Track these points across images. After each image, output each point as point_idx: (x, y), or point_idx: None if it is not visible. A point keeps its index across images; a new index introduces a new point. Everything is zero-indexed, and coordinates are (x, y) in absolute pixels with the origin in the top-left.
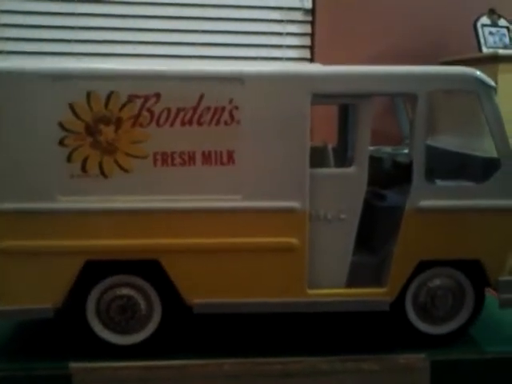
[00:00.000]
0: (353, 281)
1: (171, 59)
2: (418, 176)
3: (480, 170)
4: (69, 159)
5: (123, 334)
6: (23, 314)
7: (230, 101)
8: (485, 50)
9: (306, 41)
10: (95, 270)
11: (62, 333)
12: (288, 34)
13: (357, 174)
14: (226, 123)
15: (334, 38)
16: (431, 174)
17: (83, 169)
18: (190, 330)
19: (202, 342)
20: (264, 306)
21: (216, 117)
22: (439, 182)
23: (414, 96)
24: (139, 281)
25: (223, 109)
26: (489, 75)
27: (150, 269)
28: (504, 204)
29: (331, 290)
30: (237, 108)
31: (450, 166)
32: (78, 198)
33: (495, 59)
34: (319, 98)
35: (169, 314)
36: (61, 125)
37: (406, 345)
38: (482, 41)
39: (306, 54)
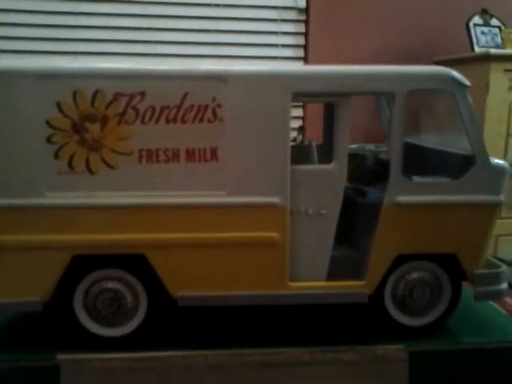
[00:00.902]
0: (333, 274)
1: (166, 58)
2: (396, 172)
3: (456, 166)
4: (56, 156)
5: (110, 326)
6: (12, 307)
7: (213, 99)
8: (477, 49)
9: (301, 40)
10: (82, 264)
11: (50, 325)
12: (282, 33)
13: (337, 171)
14: (209, 121)
15: (328, 37)
16: (410, 170)
17: (70, 165)
18: (175, 323)
19: (186, 334)
20: (247, 299)
21: (199, 115)
22: (416, 178)
23: (392, 95)
24: (125, 275)
25: (206, 107)
26: (481, 74)
27: (136, 263)
28: (478, 199)
29: (312, 282)
30: (220, 106)
31: (429, 163)
32: (65, 194)
33: (487, 58)
34: (299, 97)
35: (154, 306)
36: (48, 123)
37: (385, 336)
38: (474, 40)
39: (301, 53)
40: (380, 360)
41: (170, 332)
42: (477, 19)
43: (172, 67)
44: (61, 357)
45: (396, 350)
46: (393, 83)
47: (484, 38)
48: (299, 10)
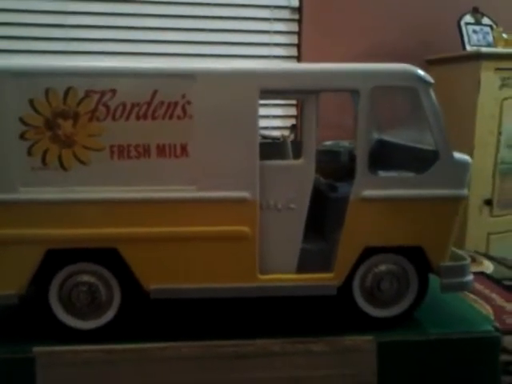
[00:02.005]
0: (303, 267)
1: (157, 57)
2: (361, 167)
3: (421, 161)
4: (29, 152)
5: (85, 319)
6: None
7: (183, 96)
8: (468, 48)
9: (294, 39)
10: (56, 258)
11: (26, 318)
12: (275, 32)
13: (305, 166)
14: (178, 117)
15: (321, 36)
16: (377, 165)
17: (43, 161)
18: (149, 316)
19: (160, 326)
20: (217, 292)
21: (169, 111)
22: (381, 173)
23: (357, 92)
24: (99, 268)
25: (176, 104)
26: (472, 73)
27: (108, 256)
28: (442, 193)
29: (281, 275)
30: (189, 103)
31: (396, 158)
32: (39, 190)
33: (478, 57)
34: (267, 94)
35: (128, 299)
36: (21, 120)
37: (353, 327)
38: (465, 39)
39: (294, 52)
40: (349, 351)
41: (145, 324)
42: (468, 18)
43: (142, 65)
44: (36, 349)
45: (365, 341)
46: (357, 80)
47: (475, 36)
48: (292, 9)
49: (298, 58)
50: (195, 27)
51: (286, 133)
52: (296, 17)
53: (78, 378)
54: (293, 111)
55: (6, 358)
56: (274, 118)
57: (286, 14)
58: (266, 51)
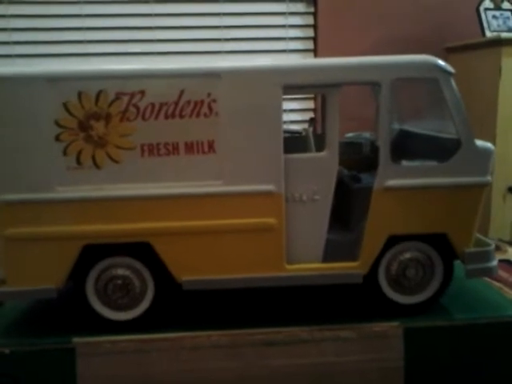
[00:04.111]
0: (329, 256)
1: (175, 56)
2: (384, 158)
3: (443, 150)
4: (65, 153)
5: (120, 310)
6: (29, 295)
7: (208, 94)
8: (488, 33)
9: (310, 32)
10: (93, 252)
11: (65, 311)
12: (291, 26)
13: (328, 158)
14: (205, 115)
15: (337, 28)
16: (400, 155)
17: (78, 161)
18: (181, 306)
19: (191, 316)
20: (247, 282)
21: (196, 110)
22: (404, 163)
23: (378, 84)
24: (133, 261)
25: (202, 102)
26: (493, 59)
27: (142, 250)
28: (466, 181)
29: (308, 264)
30: (215, 101)
31: (419, 148)
32: (75, 188)
33: (499, 43)
34: (290, 90)
35: (161, 291)
36: (56, 122)
37: (380, 314)
38: (485, 25)
39: (310, 45)
40: (376, 337)
41: (177, 314)
42: (487, 3)
43: (168, 66)
44: (76, 340)
45: (391, 327)
46: (378, 73)
47: (495, 22)
48: (307, 2)
49: (315, 51)
50: (211, 25)
51: (305, 126)
52: (311, 10)
53: (116, 365)
54: (310, 105)
55: (49, 348)
56: (291, 112)
57: (301, 7)
58: (282, 45)
